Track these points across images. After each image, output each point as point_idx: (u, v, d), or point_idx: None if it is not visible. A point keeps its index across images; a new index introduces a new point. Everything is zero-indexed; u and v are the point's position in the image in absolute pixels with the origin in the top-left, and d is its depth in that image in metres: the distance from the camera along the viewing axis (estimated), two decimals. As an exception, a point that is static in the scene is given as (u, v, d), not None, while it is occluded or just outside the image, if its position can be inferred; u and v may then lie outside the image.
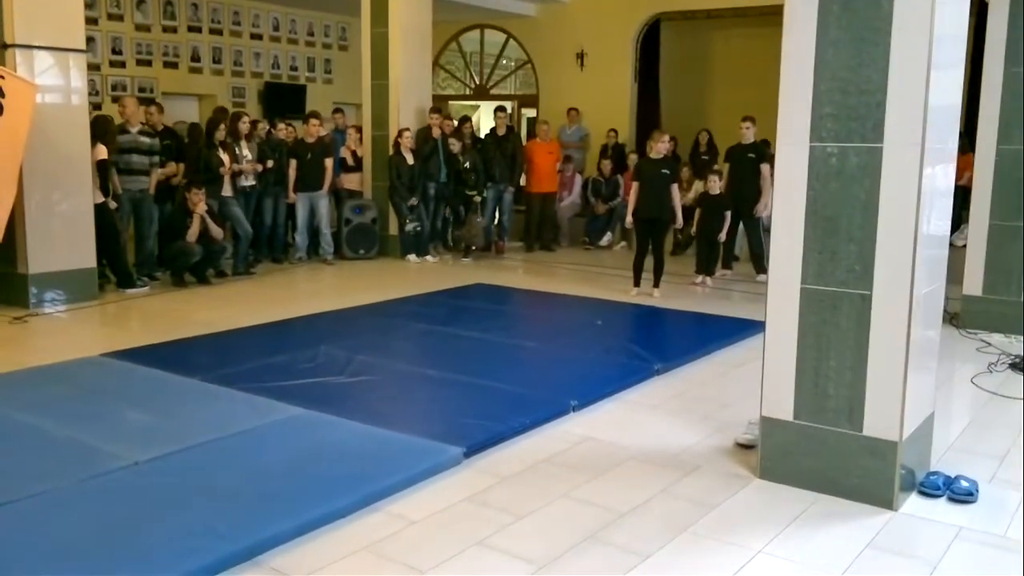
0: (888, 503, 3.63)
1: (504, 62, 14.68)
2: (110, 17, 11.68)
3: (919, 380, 3.73)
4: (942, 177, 3.74)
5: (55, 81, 7.55)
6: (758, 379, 3.98)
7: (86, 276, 7.82)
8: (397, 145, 10.41)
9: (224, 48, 13.06)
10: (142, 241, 8.79)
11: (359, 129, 11.11)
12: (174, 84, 12.45)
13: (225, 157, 9.08)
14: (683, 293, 8.52)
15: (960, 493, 3.73)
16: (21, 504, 3.50)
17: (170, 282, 8.65)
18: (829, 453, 3.76)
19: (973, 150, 7.09)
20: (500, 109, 11.87)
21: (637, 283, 8.40)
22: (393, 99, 10.82)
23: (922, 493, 3.78)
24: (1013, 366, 5.90)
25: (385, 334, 6.64)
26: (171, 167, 9.16)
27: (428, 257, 10.64)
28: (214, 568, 3.05)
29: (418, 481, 3.85)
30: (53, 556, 3.10)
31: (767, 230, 5.81)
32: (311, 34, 14.24)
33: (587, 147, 12.94)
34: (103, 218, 7.98)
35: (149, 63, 12.18)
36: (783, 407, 3.87)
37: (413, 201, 10.40)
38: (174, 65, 12.47)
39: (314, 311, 7.40)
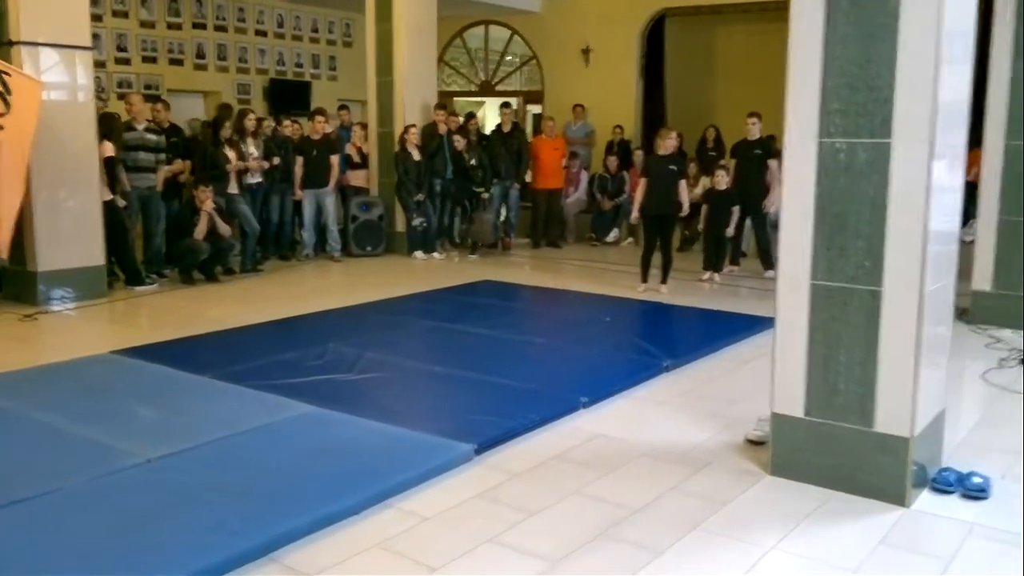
0: (900, 500, 3.62)
1: (509, 58, 14.67)
2: (115, 14, 11.69)
3: (930, 376, 3.73)
4: (951, 173, 3.73)
5: (61, 78, 7.56)
6: (767, 375, 3.98)
7: (95, 274, 7.85)
8: (403, 142, 10.41)
9: (229, 45, 13.06)
10: (150, 239, 8.82)
11: (364, 126, 11.11)
12: (179, 81, 12.46)
13: (231, 154, 9.09)
14: (691, 289, 8.52)
15: (973, 489, 3.72)
16: (35, 502, 3.51)
17: (178, 279, 8.67)
18: (840, 449, 3.76)
19: (980, 145, 7.06)
20: (505, 105, 11.86)
21: (645, 279, 8.40)
22: (398, 95, 10.82)
23: (934, 489, 3.78)
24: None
25: (393, 331, 6.65)
26: (178, 164, 9.17)
27: (435, 254, 10.64)
28: (228, 564, 3.06)
29: (429, 478, 3.86)
30: (67, 553, 3.12)
31: (775, 226, 5.80)
32: (316, 30, 14.24)
33: (593, 143, 12.93)
34: (111, 216, 8.00)
35: (154, 60, 12.19)
36: (794, 403, 3.87)
37: (419, 197, 10.41)
38: (179, 62, 12.49)
39: (322, 308, 7.41)
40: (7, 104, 6.86)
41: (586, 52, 13.23)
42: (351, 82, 13.75)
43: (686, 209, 8.52)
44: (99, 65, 10.66)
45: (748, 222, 9.54)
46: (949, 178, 3.71)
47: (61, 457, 4.02)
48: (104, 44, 11.41)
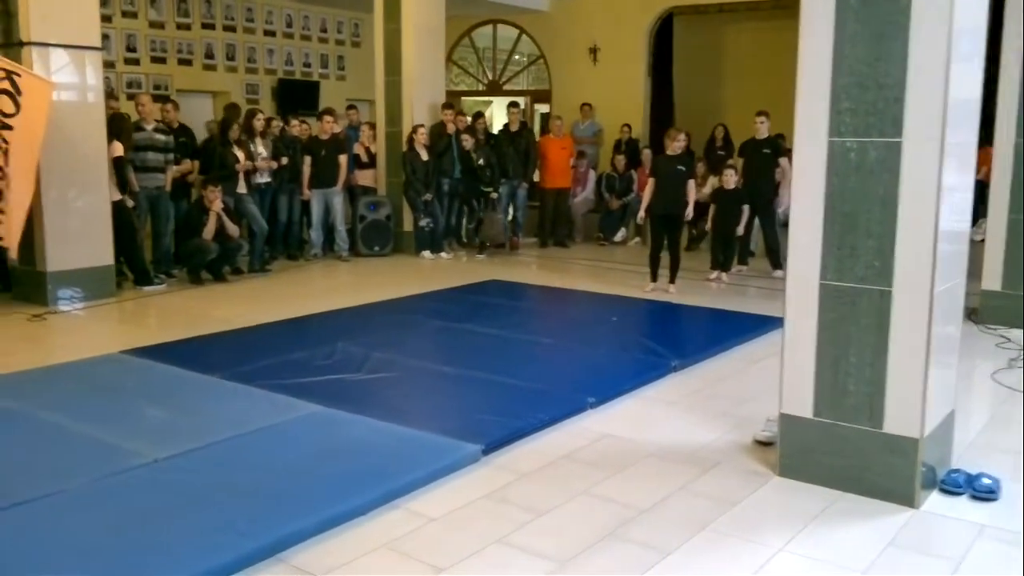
0: (909, 501, 3.61)
1: (517, 57, 14.64)
2: (124, 14, 11.71)
3: (939, 376, 3.71)
4: (961, 172, 3.71)
5: (71, 79, 7.58)
6: (776, 376, 3.97)
7: (104, 273, 7.87)
8: (411, 141, 10.41)
9: (238, 45, 13.08)
10: (159, 238, 8.84)
11: (372, 126, 11.12)
12: (188, 81, 12.48)
13: (240, 154, 9.11)
14: (699, 289, 8.50)
15: (982, 490, 3.70)
16: (42, 502, 3.52)
17: (187, 279, 8.68)
18: (849, 450, 3.74)
19: (990, 143, 7.03)
20: (513, 105, 11.86)
21: (654, 279, 8.38)
22: (406, 95, 10.83)
23: (943, 491, 3.76)
24: (1032, 362, 5.86)
25: (401, 331, 6.65)
26: (186, 164, 9.19)
27: (442, 254, 10.64)
28: (236, 565, 3.07)
29: (437, 478, 3.86)
30: (75, 553, 3.12)
31: (784, 225, 5.78)
32: (324, 30, 14.25)
33: (600, 142, 12.90)
34: (120, 215, 8.02)
35: (163, 60, 12.21)
36: (802, 404, 3.85)
37: (427, 197, 10.41)
38: (188, 62, 12.51)
39: (330, 308, 7.42)
40: (17, 104, 6.89)
41: (594, 51, 13.20)
42: (359, 82, 13.75)
43: (690, 212, 8.47)
44: (108, 65, 10.69)
45: (756, 221, 9.52)
46: (959, 177, 3.69)
47: (69, 457, 4.03)
48: (113, 44, 11.43)
